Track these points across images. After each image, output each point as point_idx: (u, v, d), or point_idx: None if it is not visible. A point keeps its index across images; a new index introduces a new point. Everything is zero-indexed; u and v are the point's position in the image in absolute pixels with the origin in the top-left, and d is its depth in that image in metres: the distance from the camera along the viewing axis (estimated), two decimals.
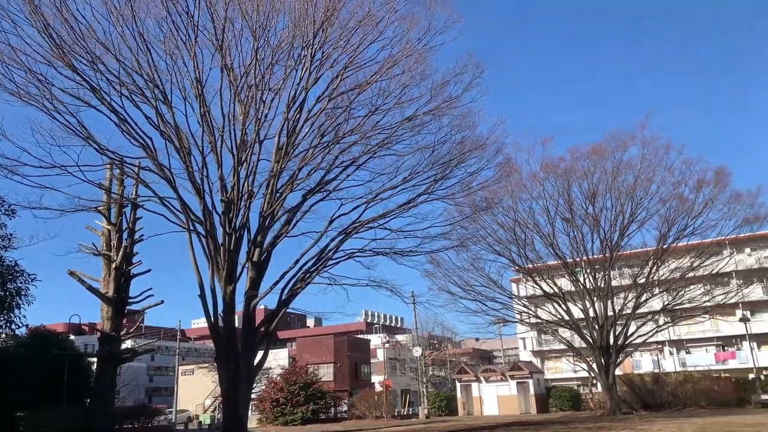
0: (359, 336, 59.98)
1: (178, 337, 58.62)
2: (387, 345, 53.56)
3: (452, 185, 21.63)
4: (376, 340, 59.13)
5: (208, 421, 44.24)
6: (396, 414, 46.11)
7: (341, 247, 20.44)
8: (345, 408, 44.51)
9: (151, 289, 26.15)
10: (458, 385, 45.06)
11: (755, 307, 49.29)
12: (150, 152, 17.36)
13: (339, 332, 56.69)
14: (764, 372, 44.91)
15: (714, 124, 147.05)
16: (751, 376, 39.56)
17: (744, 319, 40.92)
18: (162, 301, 26.63)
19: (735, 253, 39.80)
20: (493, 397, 42.78)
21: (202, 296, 17.90)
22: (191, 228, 18.01)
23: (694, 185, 33.45)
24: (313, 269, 19.95)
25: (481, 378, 43.80)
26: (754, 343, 48.27)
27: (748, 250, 50.24)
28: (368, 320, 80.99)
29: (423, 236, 21.69)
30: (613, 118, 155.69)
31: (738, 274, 41.22)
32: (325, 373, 48.77)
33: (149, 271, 26.54)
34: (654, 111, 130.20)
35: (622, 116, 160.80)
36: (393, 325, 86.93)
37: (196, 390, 55.06)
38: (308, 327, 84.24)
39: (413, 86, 19.29)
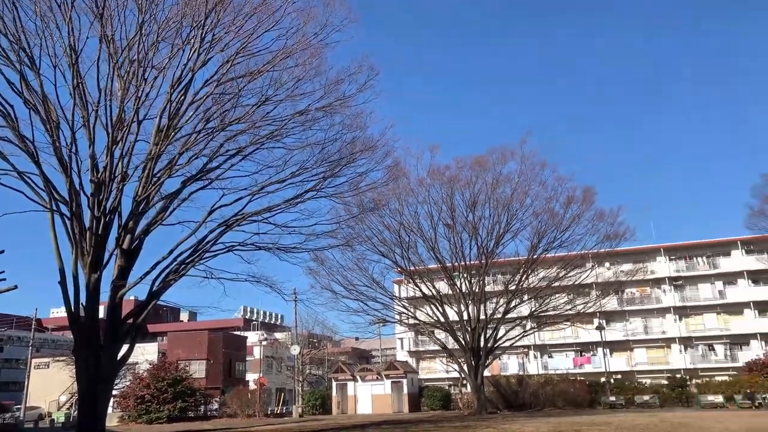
0: (236, 332, 58.30)
1: (33, 326, 53.74)
2: (264, 342, 52.47)
3: (341, 184, 21.57)
4: (253, 337, 57.77)
5: (62, 419, 40.80)
6: (269, 413, 45.29)
7: (221, 239, 19.66)
8: (216, 406, 43.03)
9: (3, 272, 23.62)
10: (334, 383, 45.16)
11: (610, 316, 53.91)
12: (10, 121, 15.68)
13: (215, 328, 54.81)
14: (614, 376, 49.28)
15: (584, 145, 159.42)
16: (603, 379, 43.18)
17: (600, 328, 44.60)
18: (15, 286, 24.06)
19: (596, 266, 43.04)
20: (367, 396, 43.31)
21: (63, 283, 16.41)
22: (54, 208, 16.47)
23: (564, 201, 35.89)
24: (188, 260, 19.00)
25: (358, 377, 44.20)
26: (608, 350, 52.83)
27: (607, 264, 54.77)
28: (247, 316, 79.01)
29: (308, 233, 21.39)
30: (500, 134, 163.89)
31: (597, 285, 44.74)
32: (197, 369, 46.87)
33: (2, 252, 23.96)
34: (536, 130, 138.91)
35: (505, 132, 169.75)
36: (272, 322, 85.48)
37: (52, 385, 50.62)
38: (182, 321, 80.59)
39: (307, 80, 19.01)
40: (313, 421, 33.49)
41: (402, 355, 59.43)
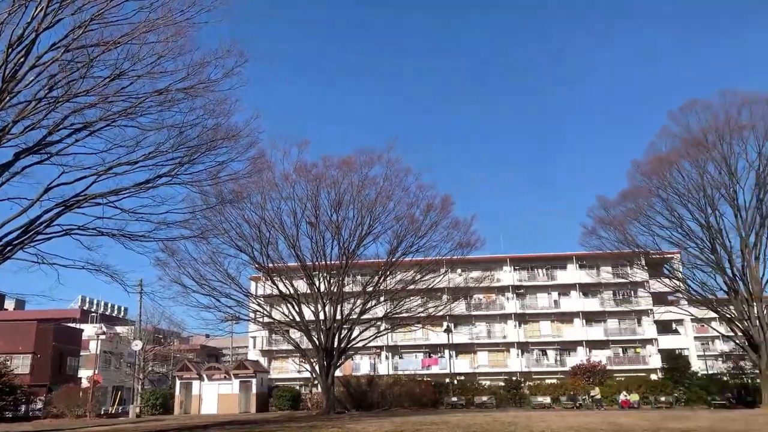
0: (71, 324, 53.24)
1: None
2: (103, 336, 48.41)
3: (199, 171, 20.42)
4: (91, 330, 53.13)
5: None
6: (102, 413, 41.93)
7: (58, 221, 17.83)
8: (40, 405, 38.98)
9: None
10: (178, 382, 42.89)
11: (458, 320, 56.86)
12: None
13: (46, 318, 49.43)
14: (458, 377, 51.96)
15: (444, 155, 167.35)
16: (447, 380, 45.35)
17: (448, 330, 46.85)
18: None
19: (449, 272, 45.13)
20: (213, 396, 41.70)
21: None
22: None
23: (425, 208, 37.21)
24: (16, 242, 16.97)
25: (204, 376, 42.41)
26: (454, 352, 55.66)
27: (459, 270, 57.82)
28: (85, 308, 72.51)
29: (159, 221, 19.99)
30: (369, 138, 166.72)
31: (449, 290, 47.01)
32: (21, 364, 42.20)
33: None
34: (403, 136, 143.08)
35: (376, 134, 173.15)
36: (114, 315, 79.39)
37: None
38: (6, 310, 72.07)
39: (169, 59, 17.76)
40: (151, 421, 31.46)
41: (254, 355, 58.04)
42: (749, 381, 41.54)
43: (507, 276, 60.84)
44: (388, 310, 39.92)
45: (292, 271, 38.51)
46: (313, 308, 36.46)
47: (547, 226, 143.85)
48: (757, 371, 35.90)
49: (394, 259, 37.66)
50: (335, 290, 36.69)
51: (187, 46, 17.92)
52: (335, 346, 35.79)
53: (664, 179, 37.40)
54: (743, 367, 43.65)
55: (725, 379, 44.62)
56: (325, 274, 37.15)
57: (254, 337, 59.24)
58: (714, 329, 46.24)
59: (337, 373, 39.94)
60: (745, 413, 27.83)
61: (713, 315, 41.07)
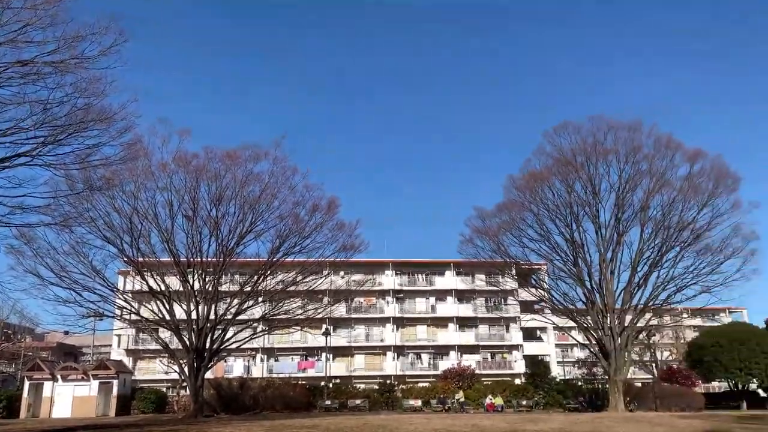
0: None
1: None
2: None
3: (65, 154, 18.85)
4: None
5: None
6: None
7: None
8: None
9: None
10: (27, 383, 39.03)
11: (337, 323, 56.98)
12: None
13: None
14: (334, 380, 51.86)
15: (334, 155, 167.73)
16: (323, 383, 45.10)
17: (326, 333, 46.66)
18: None
19: (331, 274, 45.02)
20: (68, 398, 38.40)
21: None
22: None
23: (310, 208, 36.80)
24: None
25: (58, 376, 38.97)
26: (331, 355, 55.57)
27: (342, 273, 57.90)
28: None
29: (15, 205, 18.20)
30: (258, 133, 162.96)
31: (330, 293, 46.89)
32: None
33: None
34: (292, 133, 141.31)
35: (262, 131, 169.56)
36: None
37: None
38: None
39: (38, 28, 16.27)
40: None
41: (117, 354, 54.41)
42: (600, 386, 45.17)
43: (388, 280, 61.90)
44: (266, 312, 38.96)
45: (164, 266, 36.44)
46: (185, 307, 34.76)
47: (431, 233, 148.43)
48: (607, 377, 39.05)
49: (275, 259, 36.84)
50: (210, 289, 35.22)
51: (60, 17, 16.49)
52: (207, 347, 34.29)
53: (536, 195, 39.76)
54: (595, 373, 47.41)
55: (580, 384, 48.19)
56: (200, 272, 35.58)
57: (119, 336, 55.61)
58: (573, 337, 49.74)
59: (209, 375, 38.43)
60: (593, 416, 30.18)
61: (573, 324, 44.23)
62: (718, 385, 58.87)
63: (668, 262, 38.68)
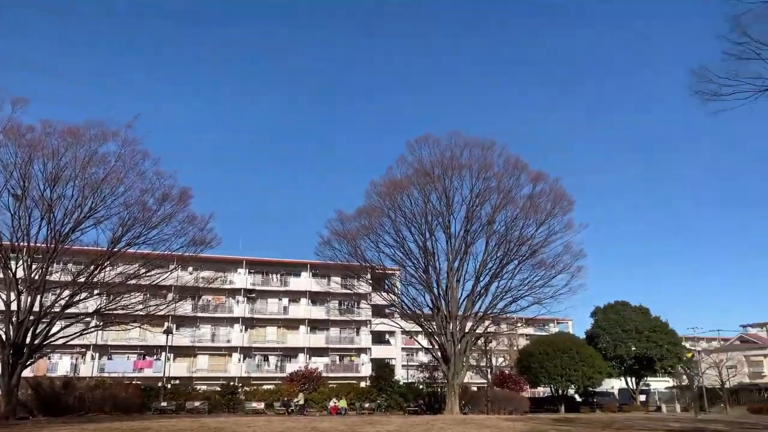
0: None
1: None
2: None
3: None
4: None
5: None
6: None
7: None
8: None
9: None
10: None
11: (181, 321, 54.21)
12: None
13: None
14: (173, 381, 49.16)
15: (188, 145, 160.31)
16: (160, 384, 42.49)
17: (168, 332, 44.07)
18: None
19: (178, 268, 42.74)
20: None
21: None
22: None
23: (160, 198, 34.57)
24: None
25: None
26: (172, 354, 52.63)
27: (190, 268, 55.23)
28: None
29: None
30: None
31: (175, 288, 44.39)
32: None
33: None
34: (148, 115, 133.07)
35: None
36: None
37: None
38: None
39: None
40: None
41: None
42: (439, 390, 47.32)
43: (241, 279, 60.15)
44: (101, 305, 35.93)
45: None
46: (4, 296, 31.02)
47: (292, 233, 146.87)
48: (446, 381, 41.01)
49: (116, 249, 34.13)
50: (37, 277, 31.76)
51: None
52: (27, 342, 30.84)
53: (395, 202, 40.85)
54: (436, 377, 49.62)
55: (421, 387, 50.15)
56: (26, 258, 31.98)
57: None
58: (418, 342, 51.71)
59: (28, 373, 34.61)
60: (428, 418, 31.49)
61: (419, 329, 45.97)
62: (543, 390, 64.42)
63: (507, 273, 41.41)
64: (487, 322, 45.71)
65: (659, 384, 64.89)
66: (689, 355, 55.73)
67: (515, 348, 70.11)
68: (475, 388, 55.40)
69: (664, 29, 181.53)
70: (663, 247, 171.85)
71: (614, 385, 63.67)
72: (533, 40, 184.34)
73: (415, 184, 40.92)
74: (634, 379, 59.57)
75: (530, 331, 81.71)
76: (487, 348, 53.97)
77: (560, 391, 53.27)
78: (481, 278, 41.15)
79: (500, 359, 71.35)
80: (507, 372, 59.66)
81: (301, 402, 41.20)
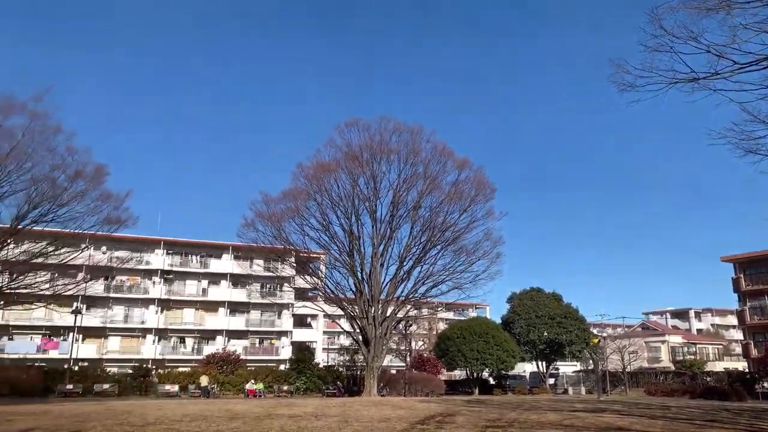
0: None
1: None
2: None
3: None
4: None
5: None
6: None
7: None
8: None
9: None
10: None
11: (92, 302, 51.86)
12: None
13: None
14: (82, 363, 47.02)
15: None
16: (66, 366, 40.55)
17: (76, 312, 42.00)
18: None
19: (90, 248, 40.75)
20: None
21: None
22: None
23: (72, 174, 32.75)
24: None
25: None
26: (80, 336, 50.26)
27: (104, 248, 52.87)
28: None
29: None
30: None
31: (87, 268, 42.36)
32: None
33: None
34: (64, 90, 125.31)
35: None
36: None
37: None
38: None
39: None
40: None
41: None
42: (359, 372, 47.88)
43: (158, 259, 58.10)
44: (2, 283, 33.71)
45: None
46: None
47: (215, 214, 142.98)
48: (366, 364, 41.48)
49: (20, 227, 32.07)
50: None
51: None
52: None
53: (322, 185, 40.40)
54: (356, 360, 50.13)
55: (341, 370, 50.59)
56: None
57: None
58: (340, 325, 51.98)
59: None
60: (345, 400, 31.78)
61: (341, 312, 46.11)
62: (459, 373, 66.48)
63: (430, 258, 42.05)
64: (408, 307, 46.47)
65: (567, 368, 68.43)
66: (595, 340, 58.94)
67: (434, 332, 71.84)
68: (394, 371, 56.41)
69: (587, 24, 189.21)
70: (573, 237, 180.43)
71: (526, 368, 66.54)
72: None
73: (344, 168, 40.64)
74: (544, 363, 62.47)
75: (450, 315, 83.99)
76: (407, 332, 54.89)
77: (475, 374, 55.12)
78: (405, 263, 41.67)
79: (419, 343, 72.90)
80: (425, 355, 61.09)
81: (204, 384, 39.99)
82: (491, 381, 58.26)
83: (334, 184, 40.56)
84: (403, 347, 61.72)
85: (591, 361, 59.19)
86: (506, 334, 56.77)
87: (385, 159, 40.79)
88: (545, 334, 58.38)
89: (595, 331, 71.26)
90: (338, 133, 41.62)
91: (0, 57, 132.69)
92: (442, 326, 74.09)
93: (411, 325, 56.91)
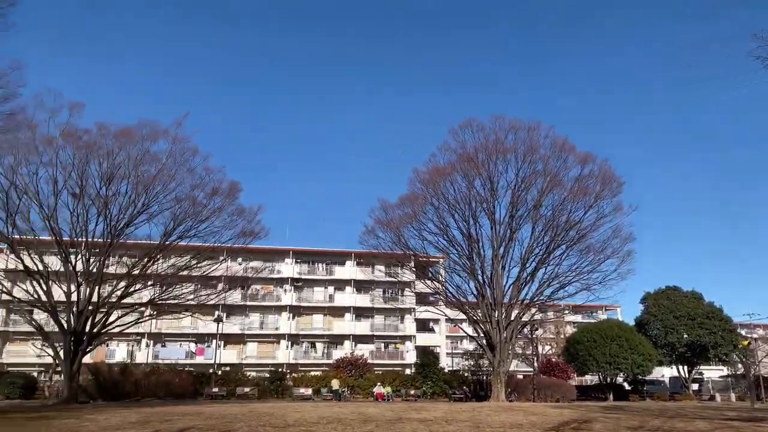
0: None
1: None
2: None
3: None
4: None
5: None
6: None
7: None
8: None
9: None
10: None
11: (231, 310, 55.72)
12: None
13: None
14: (224, 368, 50.72)
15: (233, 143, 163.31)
16: (211, 370, 43.98)
17: (218, 320, 45.46)
18: None
19: (228, 259, 43.91)
20: None
21: None
22: None
23: (210, 192, 35.71)
24: None
25: None
26: (222, 342, 54.29)
27: (240, 259, 56.73)
28: None
29: None
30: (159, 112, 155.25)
31: (225, 279, 45.74)
32: None
33: None
34: (194, 114, 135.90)
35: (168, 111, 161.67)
36: None
37: None
38: None
39: None
40: None
41: None
42: (485, 377, 47.32)
43: (288, 268, 61.31)
44: (154, 295, 37.40)
45: (44, 245, 34.05)
46: (65, 288, 32.64)
47: (336, 223, 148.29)
48: (492, 369, 40.93)
49: (168, 242, 35.42)
50: (95, 270, 33.29)
51: None
52: (87, 330, 32.45)
53: (438, 189, 40.40)
54: (481, 365, 49.56)
55: (466, 375, 50.23)
56: (84, 252, 33.53)
57: None
58: (463, 329, 51.80)
59: (88, 359, 36.37)
60: (474, 405, 31.59)
61: (464, 316, 45.89)
62: (590, 378, 63.52)
63: (554, 259, 40.55)
64: (533, 310, 45.24)
65: (713, 372, 63.04)
66: (745, 342, 53.80)
67: (562, 336, 69.28)
68: (521, 376, 55.16)
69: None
70: (714, 231, 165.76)
71: (665, 373, 62.14)
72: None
73: (459, 170, 40.39)
74: (686, 367, 58.02)
75: (578, 318, 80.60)
76: (534, 336, 53.43)
77: (608, 379, 52.44)
78: (527, 264, 40.55)
79: (547, 347, 70.66)
80: (554, 360, 59.06)
81: (335, 387, 41.45)
82: (626, 386, 55.11)
83: (450, 187, 40.37)
84: (529, 352, 60.16)
85: (740, 365, 54.07)
86: (641, 336, 53.39)
87: (501, 158, 39.91)
88: (685, 336, 54.18)
89: (742, 332, 64.98)
90: (452, 136, 41.49)
91: (144, 86, 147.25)
92: (569, 330, 71.28)
93: (537, 329, 55.33)
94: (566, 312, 64.44)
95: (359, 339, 60.51)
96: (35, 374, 43.43)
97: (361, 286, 62.22)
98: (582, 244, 40.15)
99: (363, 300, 61.51)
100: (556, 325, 72.49)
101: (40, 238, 33.27)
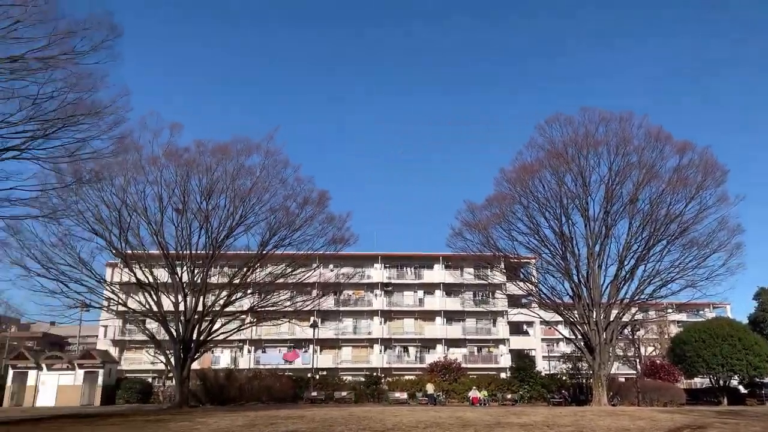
0: None
1: None
2: None
3: (55, 147, 19.04)
4: None
5: None
6: None
7: None
8: None
9: None
10: (11, 372, 38.99)
11: (325, 315, 57.11)
12: None
13: None
14: (320, 372, 52.06)
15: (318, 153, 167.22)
16: (309, 375, 45.27)
17: (314, 325, 46.76)
18: None
19: (321, 266, 45.05)
20: (52, 387, 38.44)
21: None
22: None
23: (301, 202, 36.84)
24: None
25: (43, 365, 38.92)
26: (318, 347, 55.75)
27: (331, 266, 58.09)
28: None
29: (2, 198, 18.36)
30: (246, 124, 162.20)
31: (319, 285, 47.00)
32: None
33: None
34: (284, 127, 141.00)
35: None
36: None
37: None
38: None
39: (28, 25, 16.40)
40: None
41: (104, 344, 54.28)
42: (584, 381, 45.61)
43: (377, 273, 62.09)
44: (254, 303, 39.02)
45: (153, 258, 36.43)
46: (173, 298, 34.78)
47: (422, 226, 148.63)
48: (591, 372, 39.40)
49: (265, 252, 36.84)
50: (199, 281, 35.23)
51: (51, 14, 16.59)
52: (194, 338, 34.37)
53: (527, 187, 39.09)
54: (580, 368, 47.80)
55: (564, 378, 48.59)
56: (189, 264, 35.57)
57: (105, 326, 55.48)
58: (559, 332, 50.11)
59: (195, 365, 38.44)
60: (575, 409, 30.50)
61: (559, 318, 44.46)
62: (700, 381, 59.69)
63: (655, 255, 38.42)
64: (633, 309, 43.10)
65: None
66: None
67: (666, 336, 65.52)
68: (623, 380, 52.64)
69: None
70: None
71: None
72: None
73: (548, 167, 39.13)
74: None
75: (682, 317, 76.12)
76: (635, 336, 50.92)
77: (721, 382, 49.02)
78: (626, 262, 38.67)
79: (650, 348, 67.09)
80: (658, 362, 55.96)
81: (430, 391, 41.32)
82: (742, 389, 51.29)
83: (539, 184, 39.09)
84: (631, 353, 57.39)
85: None
86: (756, 335, 49.58)
87: (593, 152, 38.32)
88: None
89: None
90: (539, 132, 40.30)
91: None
92: (674, 329, 67.30)
93: (638, 329, 52.68)
94: (669, 311, 60.88)
95: (451, 343, 60.20)
96: (150, 380, 46.51)
97: (451, 289, 61.93)
98: (684, 238, 37.87)
99: (453, 303, 61.18)
100: (659, 324, 68.62)
101: (149, 252, 35.60)
